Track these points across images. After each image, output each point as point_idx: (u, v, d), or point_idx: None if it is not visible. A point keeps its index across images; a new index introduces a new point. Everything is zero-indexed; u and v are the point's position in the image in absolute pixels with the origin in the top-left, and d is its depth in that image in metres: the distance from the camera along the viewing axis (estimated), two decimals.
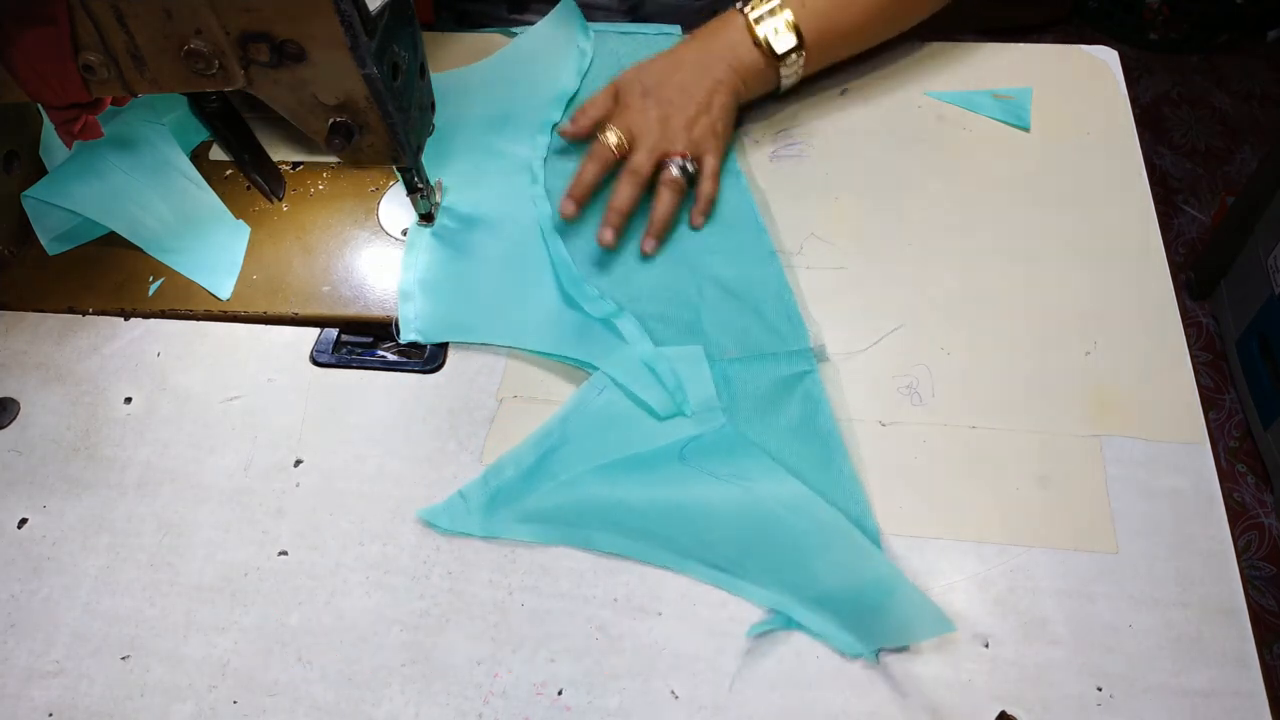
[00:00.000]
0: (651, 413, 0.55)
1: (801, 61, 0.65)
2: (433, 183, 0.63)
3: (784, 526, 0.50)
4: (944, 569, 0.50)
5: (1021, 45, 0.74)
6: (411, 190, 0.60)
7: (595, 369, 0.57)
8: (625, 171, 0.63)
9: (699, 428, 0.54)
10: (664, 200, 0.63)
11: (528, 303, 0.61)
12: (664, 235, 0.63)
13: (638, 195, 0.63)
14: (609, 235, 0.62)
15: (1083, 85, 0.71)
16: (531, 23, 0.82)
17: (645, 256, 0.63)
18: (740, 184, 0.66)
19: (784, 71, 0.66)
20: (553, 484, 0.53)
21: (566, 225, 0.64)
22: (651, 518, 0.52)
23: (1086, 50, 0.74)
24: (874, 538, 0.50)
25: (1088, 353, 0.58)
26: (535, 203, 0.65)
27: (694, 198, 0.65)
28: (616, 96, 0.67)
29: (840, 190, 0.66)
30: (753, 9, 0.65)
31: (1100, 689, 0.47)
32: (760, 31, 0.64)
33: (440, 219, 0.65)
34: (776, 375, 0.56)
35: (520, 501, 0.53)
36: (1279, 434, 1.38)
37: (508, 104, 0.72)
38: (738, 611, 0.50)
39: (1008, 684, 0.47)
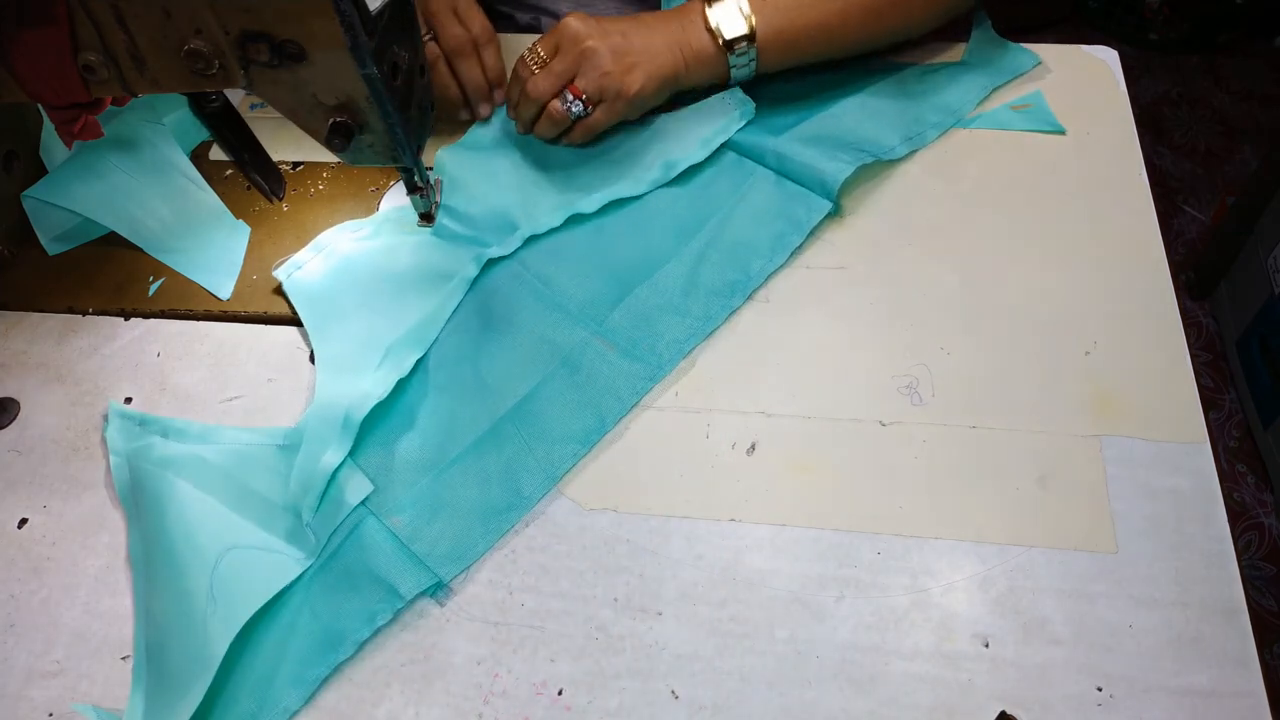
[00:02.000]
0: (284, 492, 0.54)
1: (753, 54, 0.65)
2: (432, 182, 0.62)
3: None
4: (944, 569, 0.50)
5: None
6: (411, 190, 0.60)
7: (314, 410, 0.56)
8: (526, 89, 0.64)
9: (284, 545, 0.52)
10: (541, 126, 0.65)
11: (362, 334, 0.59)
12: (517, 128, 0.67)
13: (534, 114, 0.65)
14: (484, 110, 0.69)
15: (1083, 85, 0.71)
16: (543, 7, 0.82)
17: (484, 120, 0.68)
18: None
19: (734, 61, 0.65)
20: (162, 471, 0.54)
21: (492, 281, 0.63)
22: (155, 570, 0.51)
23: (1086, 50, 0.74)
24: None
25: (1088, 353, 0.58)
26: (475, 260, 0.63)
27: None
28: (567, 20, 0.66)
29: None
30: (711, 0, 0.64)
31: (1100, 689, 0.47)
32: (713, 18, 0.64)
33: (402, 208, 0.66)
34: (383, 573, 0.51)
35: (145, 463, 0.55)
36: (1279, 434, 1.38)
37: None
38: (738, 612, 0.50)
39: (1008, 684, 0.47)
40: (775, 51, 0.65)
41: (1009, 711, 0.46)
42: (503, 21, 0.84)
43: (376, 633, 0.49)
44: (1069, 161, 0.67)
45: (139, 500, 0.54)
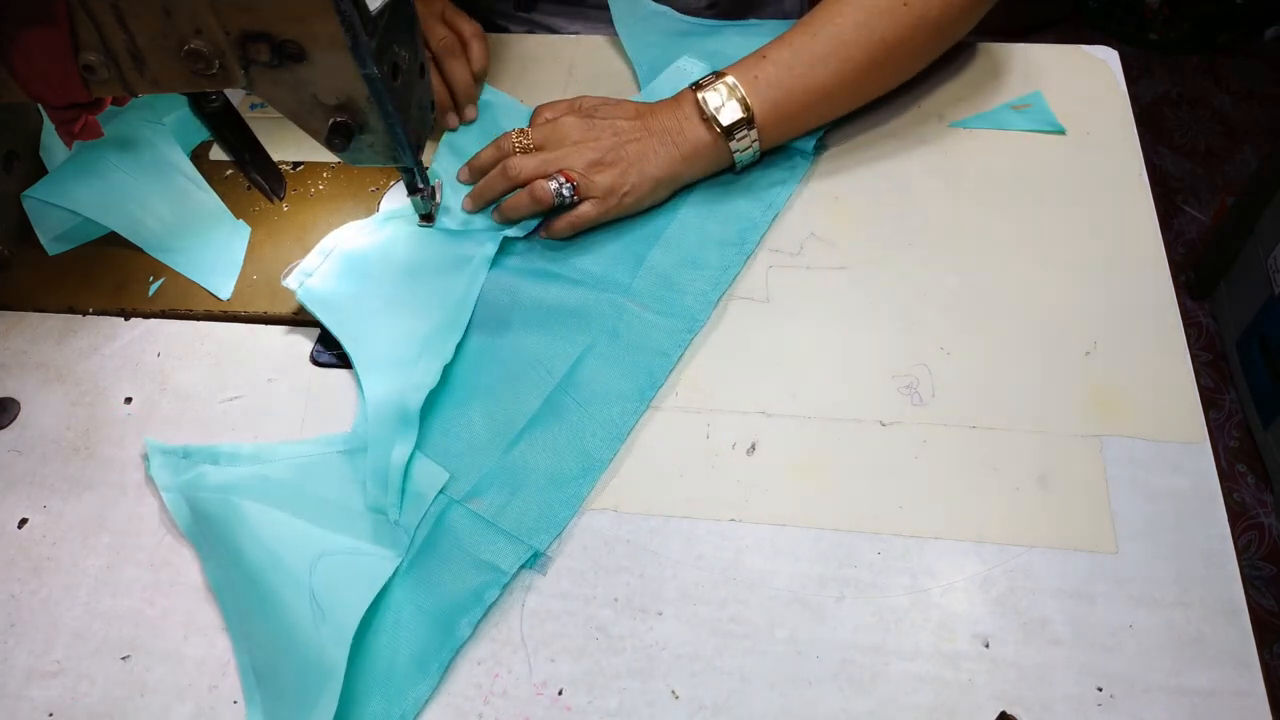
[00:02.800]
0: (362, 495, 0.53)
1: (754, 135, 0.62)
2: (433, 183, 0.62)
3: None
4: (944, 569, 0.50)
5: (1021, 45, 0.74)
6: (412, 190, 0.60)
7: (363, 423, 0.56)
8: (505, 163, 0.63)
9: (372, 545, 0.52)
10: (520, 198, 0.62)
11: (395, 329, 0.59)
12: (501, 222, 0.63)
13: (502, 190, 0.63)
14: (467, 204, 0.65)
15: (1083, 85, 0.71)
16: (539, 22, 0.82)
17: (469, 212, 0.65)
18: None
19: (735, 146, 0.62)
20: (225, 497, 0.53)
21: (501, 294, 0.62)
22: (243, 593, 0.50)
23: (1086, 50, 0.74)
24: None
25: (1088, 353, 0.58)
26: (488, 237, 0.63)
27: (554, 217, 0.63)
28: (570, 108, 0.66)
29: (840, 190, 0.66)
30: (702, 85, 0.62)
31: (1100, 689, 0.47)
32: (707, 106, 0.61)
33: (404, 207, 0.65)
34: (478, 554, 0.52)
35: (202, 491, 0.54)
36: (1279, 434, 1.38)
37: None
38: (739, 612, 0.50)
39: (1008, 684, 0.47)
40: (776, 128, 0.63)
41: (1009, 711, 0.46)
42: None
43: (488, 610, 0.50)
44: (1069, 161, 0.67)
45: (207, 530, 0.53)
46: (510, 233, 0.63)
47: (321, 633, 0.47)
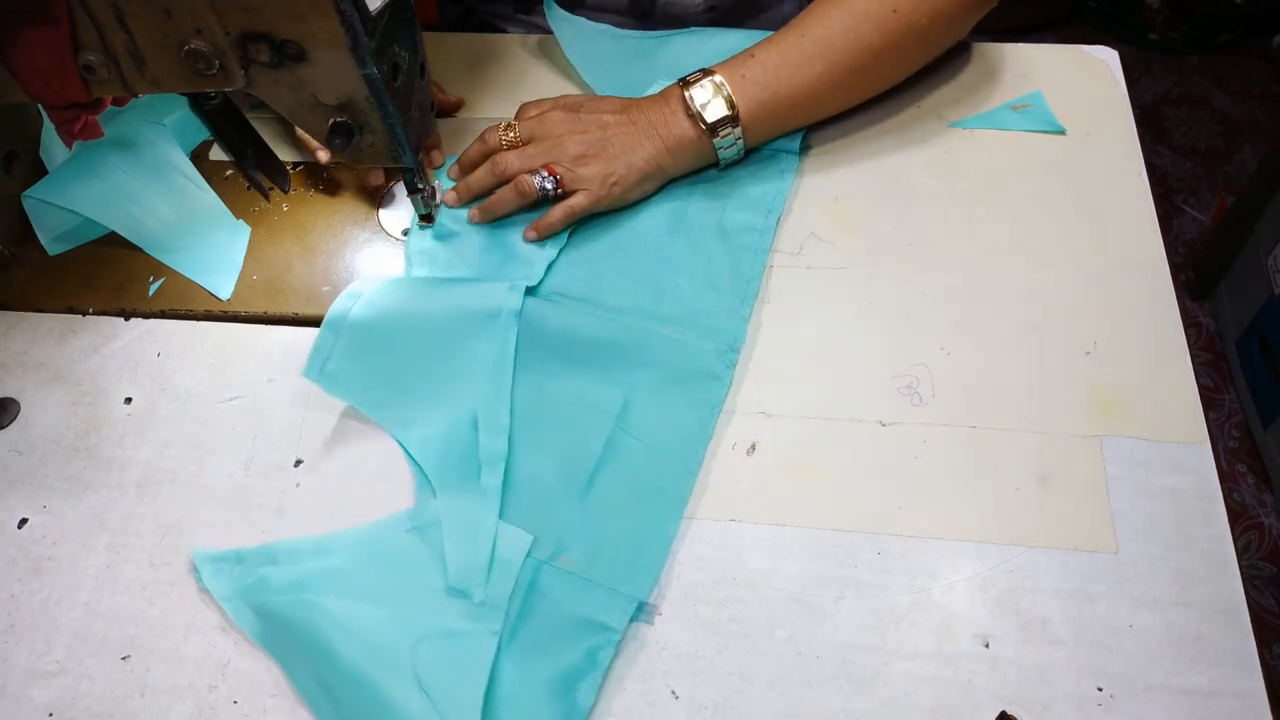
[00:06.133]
0: (443, 574, 0.51)
1: (738, 133, 0.62)
2: (434, 184, 0.63)
3: None
4: (944, 569, 0.50)
5: (1021, 45, 0.74)
6: (412, 190, 0.60)
7: (431, 495, 0.53)
8: (493, 159, 0.63)
9: (468, 623, 0.49)
10: (504, 194, 0.62)
11: (436, 397, 0.57)
12: (487, 219, 0.63)
13: (490, 185, 0.63)
14: (450, 197, 0.64)
15: (1083, 85, 0.71)
16: (537, 24, 0.82)
17: (472, 220, 0.63)
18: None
19: (719, 143, 0.62)
20: (298, 597, 0.50)
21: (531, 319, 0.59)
22: (343, 695, 0.47)
23: (1086, 50, 0.74)
24: None
25: (1088, 353, 0.58)
26: (512, 289, 0.59)
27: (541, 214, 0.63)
28: (555, 104, 0.66)
29: (840, 190, 0.66)
30: (689, 82, 0.63)
31: (1100, 689, 0.47)
32: (693, 102, 0.62)
33: (420, 246, 0.63)
34: (582, 614, 0.49)
35: (270, 596, 0.50)
36: (1279, 434, 1.38)
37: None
38: (739, 612, 0.50)
39: (1008, 684, 0.47)
40: (760, 127, 0.63)
41: (1009, 711, 0.46)
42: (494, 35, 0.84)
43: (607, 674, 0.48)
44: (1069, 161, 0.67)
45: (285, 635, 0.49)
46: (528, 280, 0.60)
47: None
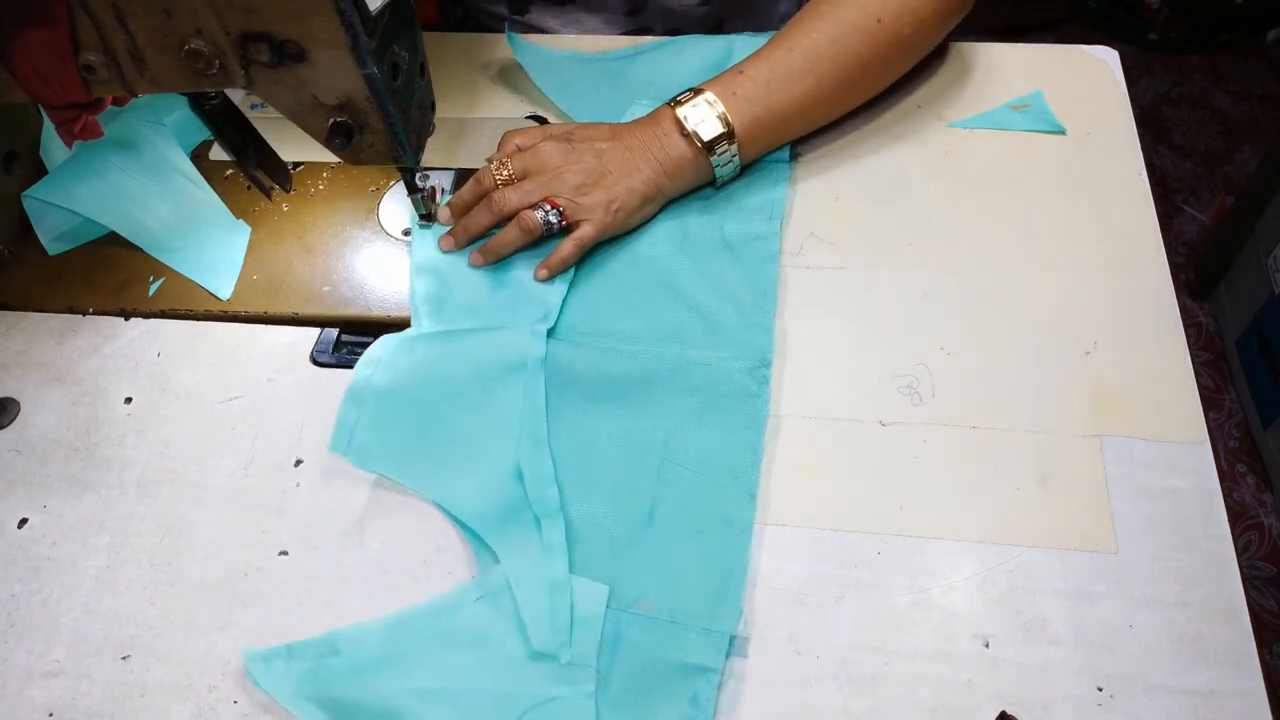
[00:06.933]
0: (523, 640, 0.49)
1: (734, 149, 0.62)
2: (433, 184, 0.62)
3: None
4: (944, 569, 0.50)
5: (1021, 45, 0.74)
6: (412, 190, 0.60)
7: (491, 560, 0.52)
8: (490, 197, 0.61)
9: (561, 688, 0.47)
10: (508, 233, 0.61)
11: (473, 457, 0.55)
12: (491, 259, 0.61)
13: (488, 224, 0.62)
14: (446, 243, 0.62)
15: (1083, 85, 0.71)
16: (532, 24, 0.82)
17: (473, 265, 0.61)
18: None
19: (716, 160, 0.62)
20: (373, 686, 0.48)
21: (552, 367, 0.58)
22: None
23: (1086, 50, 0.74)
24: None
25: (1088, 353, 0.58)
26: (533, 336, 0.58)
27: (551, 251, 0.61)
28: (545, 134, 0.65)
29: (840, 190, 0.66)
30: (680, 101, 0.62)
31: (1100, 689, 0.47)
32: (688, 124, 0.61)
33: (427, 293, 0.61)
34: (676, 659, 0.48)
35: (337, 686, 0.48)
36: (1279, 434, 1.38)
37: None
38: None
39: (1008, 684, 0.47)
40: (755, 143, 0.64)
41: (1009, 711, 0.46)
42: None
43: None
44: (1069, 161, 0.67)
45: None
46: (547, 323, 0.59)
47: None
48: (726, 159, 0.63)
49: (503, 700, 0.47)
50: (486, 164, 0.63)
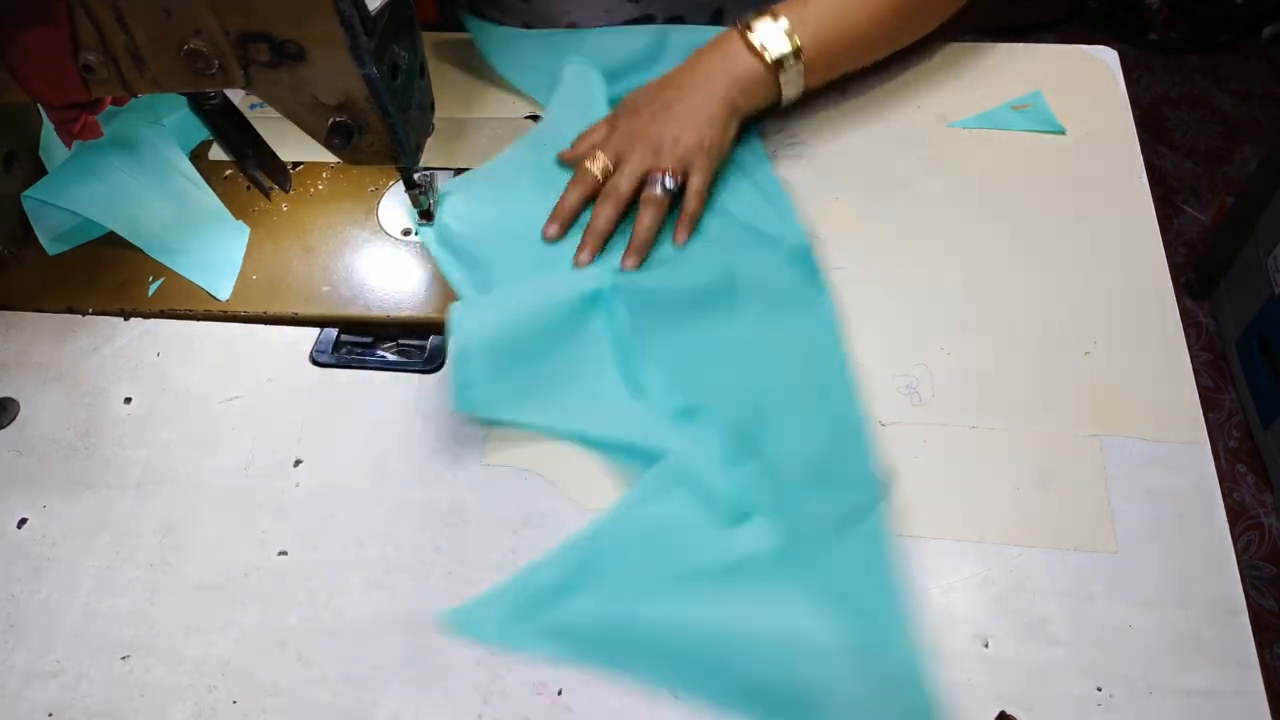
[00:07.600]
0: (708, 518, 0.51)
1: (800, 68, 0.65)
2: (432, 181, 0.62)
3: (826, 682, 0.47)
4: (944, 569, 0.50)
5: (1021, 45, 0.74)
6: (410, 188, 0.60)
7: (652, 461, 0.53)
8: (604, 192, 0.63)
9: (752, 546, 0.50)
10: (644, 218, 0.62)
11: (589, 384, 0.57)
12: (645, 252, 0.62)
13: (615, 216, 0.63)
14: (584, 256, 0.62)
15: (1083, 85, 0.71)
16: (529, 24, 0.82)
17: (624, 270, 0.61)
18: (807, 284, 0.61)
19: (783, 79, 0.65)
20: (588, 598, 0.50)
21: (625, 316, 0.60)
22: (692, 648, 0.48)
23: (1086, 50, 0.74)
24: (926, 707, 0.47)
25: (1088, 353, 0.58)
26: (601, 268, 0.61)
27: (678, 215, 0.63)
28: (612, 121, 0.67)
29: (840, 190, 0.66)
30: (749, 20, 0.65)
31: (1100, 689, 0.47)
32: (755, 40, 0.64)
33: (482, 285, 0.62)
34: (838, 507, 0.51)
35: (551, 612, 0.50)
36: (1279, 434, 1.38)
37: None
38: None
39: (1008, 684, 0.47)
40: (820, 65, 0.66)
41: (1009, 711, 0.46)
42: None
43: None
44: (1069, 161, 0.67)
45: (618, 641, 0.49)
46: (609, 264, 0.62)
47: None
48: (793, 77, 0.65)
49: (696, 575, 0.49)
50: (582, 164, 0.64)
